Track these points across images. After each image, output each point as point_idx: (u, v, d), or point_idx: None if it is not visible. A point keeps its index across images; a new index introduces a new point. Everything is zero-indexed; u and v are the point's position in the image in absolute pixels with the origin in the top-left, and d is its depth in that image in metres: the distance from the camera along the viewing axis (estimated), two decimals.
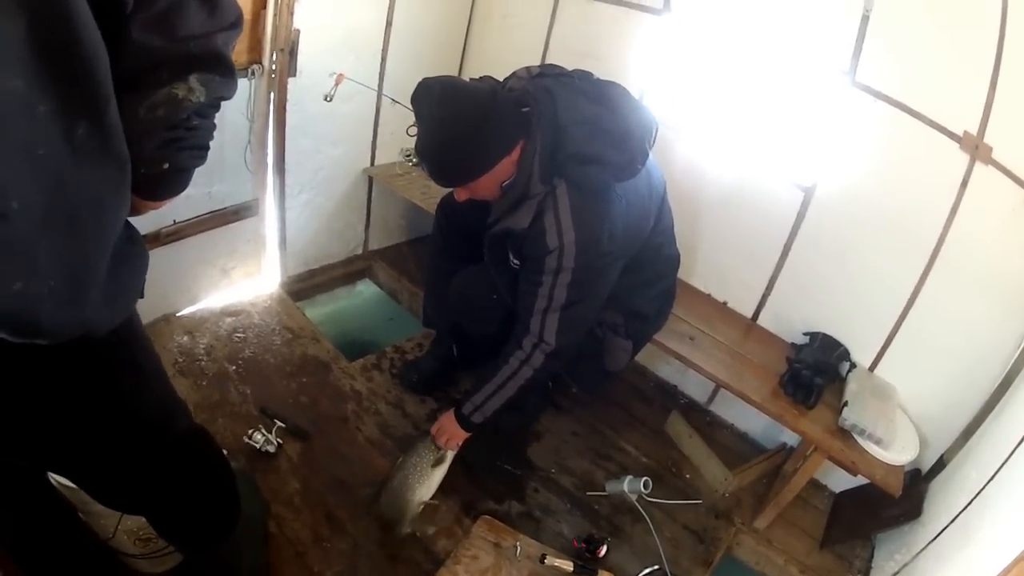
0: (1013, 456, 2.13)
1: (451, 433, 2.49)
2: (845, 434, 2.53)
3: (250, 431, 2.56)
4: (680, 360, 2.83)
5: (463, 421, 2.47)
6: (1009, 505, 2.03)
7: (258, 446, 2.53)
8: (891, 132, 2.56)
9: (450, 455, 2.47)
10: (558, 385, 3.11)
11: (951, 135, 2.42)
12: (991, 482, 2.17)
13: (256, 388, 2.85)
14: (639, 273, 2.49)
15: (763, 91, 2.86)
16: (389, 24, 3.32)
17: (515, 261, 2.36)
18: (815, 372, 2.68)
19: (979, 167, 2.39)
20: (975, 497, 2.21)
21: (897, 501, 2.49)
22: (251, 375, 2.91)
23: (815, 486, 2.99)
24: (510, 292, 2.43)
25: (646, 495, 2.58)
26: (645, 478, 2.56)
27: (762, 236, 2.99)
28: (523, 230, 2.19)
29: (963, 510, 2.25)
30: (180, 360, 2.88)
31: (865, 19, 2.50)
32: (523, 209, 2.18)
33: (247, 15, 2.76)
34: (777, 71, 2.80)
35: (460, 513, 2.53)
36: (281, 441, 2.59)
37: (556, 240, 2.12)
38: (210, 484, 1.80)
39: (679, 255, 2.73)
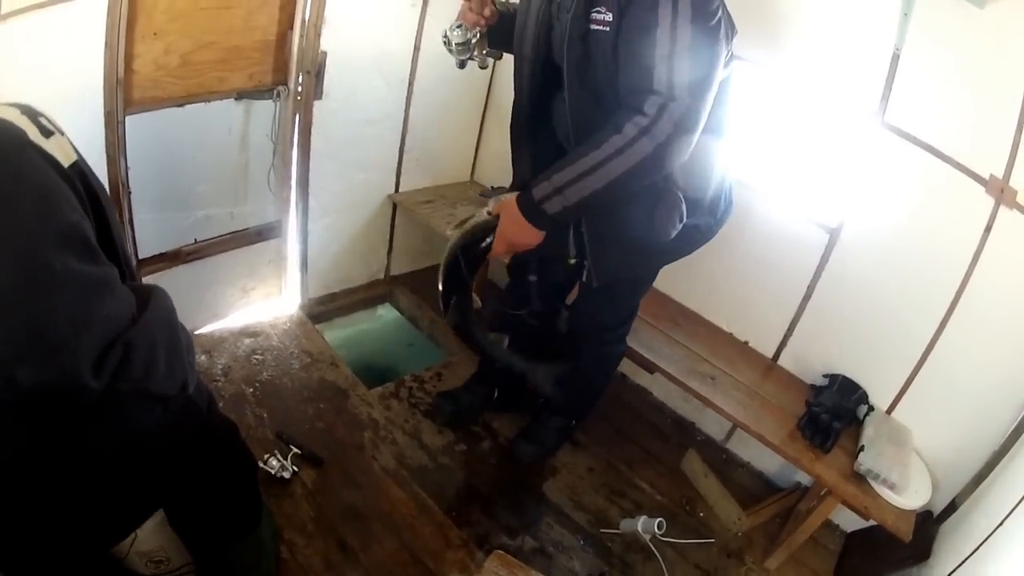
0: (1022, 503, 2.11)
1: (515, 234, 1.97)
2: (860, 478, 2.52)
3: (266, 456, 2.56)
4: (701, 401, 2.82)
5: (531, 211, 1.91)
6: (1016, 553, 2.03)
7: (273, 472, 2.53)
8: (918, 174, 2.55)
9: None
10: (579, 423, 3.11)
11: (977, 178, 2.41)
12: (999, 528, 2.15)
13: (273, 412, 2.85)
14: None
15: (791, 129, 2.86)
16: (417, 49, 3.32)
17: (606, 17, 1.87)
18: (833, 416, 2.67)
19: (1004, 211, 2.38)
20: (983, 543, 2.19)
21: (907, 543, 2.48)
22: (268, 398, 2.92)
23: (827, 525, 2.96)
24: (581, 65, 1.97)
25: (660, 536, 2.58)
26: (659, 519, 2.56)
27: (786, 276, 2.98)
28: None
29: (971, 555, 2.22)
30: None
31: (896, 58, 2.48)
32: None
33: (272, 35, 2.79)
34: (806, 109, 2.80)
35: (473, 546, 2.51)
36: (297, 468, 2.59)
37: None
38: (239, 473, 1.86)
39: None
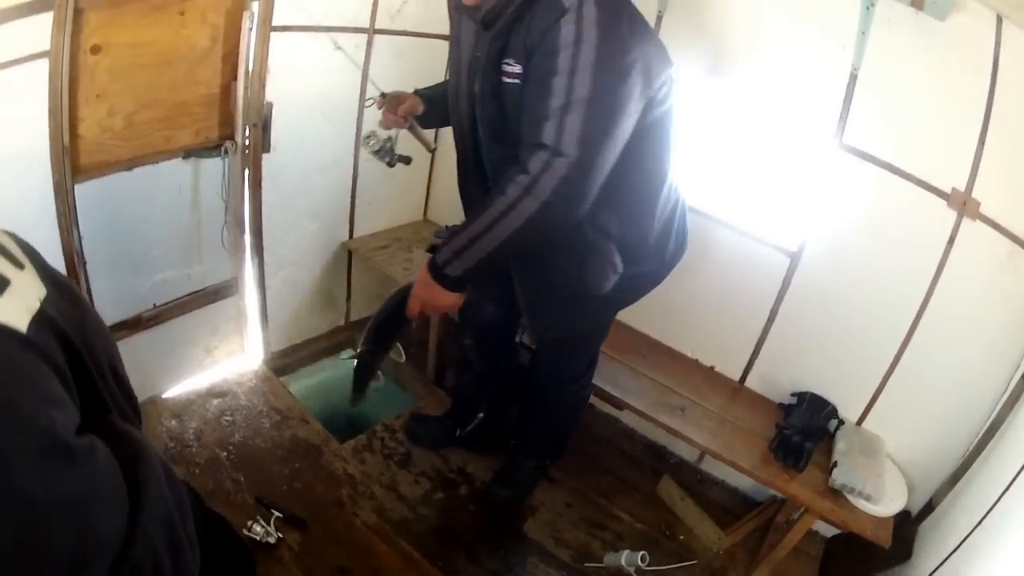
0: (1000, 502, 2.16)
1: (428, 297, 2.00)
2: (835, 493, 2.56)
3: (249, 522, 2.55)
4: (672, 434, 2.84)
5: (437, 274, 1.93)
6: (997, 550, 2.07)
7: (258, 538, 2.52)
8: (878, 193, 2.57)
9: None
10: (555, 459, 3.10)
11: (938, 193, 2.44)
12: (979, 527, 2.20)
13: (249, 475, 2.82)
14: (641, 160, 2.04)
15: (748, 153, 2.86)
16: (363, 91, 3.26)
17: (515, 69, 1.85)
18: (805, 436, 2.70)
19: (966, 223, 2.42)
20: (963, 541, 2.24)
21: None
22: (243, 461, 2.89)
23: (807, 533, 2.97)
24: (494, 121, 1.98)
25: (644, 567, 2.61)
26: (642, 552, 2.58)
27: (749, 300, 3.00)
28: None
29: (952, 553, 2.28)
30: (171, 446, 2.85)
31: (853, 78, 2.50)
32: None
33: (216, 88, 2.73)
34: (765, 134, 2.79)
35: None
36: (281, 534, 2.57)
37: None
38: (239, 569, 1.82)
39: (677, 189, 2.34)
